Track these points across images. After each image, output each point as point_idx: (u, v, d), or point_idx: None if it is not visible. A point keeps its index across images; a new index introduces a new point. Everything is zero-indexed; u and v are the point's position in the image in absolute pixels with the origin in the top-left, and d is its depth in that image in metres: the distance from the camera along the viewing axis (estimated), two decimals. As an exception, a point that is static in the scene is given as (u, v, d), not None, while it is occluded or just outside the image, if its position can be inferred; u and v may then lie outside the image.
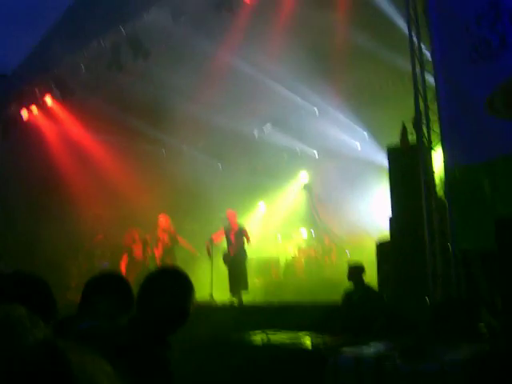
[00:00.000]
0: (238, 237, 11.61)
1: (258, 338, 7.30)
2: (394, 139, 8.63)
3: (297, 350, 6.64)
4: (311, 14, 10.39)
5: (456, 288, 6.63)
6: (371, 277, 8.39)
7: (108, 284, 2.88)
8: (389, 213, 8.26)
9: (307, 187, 16.47)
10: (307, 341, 6.90)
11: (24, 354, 1.07)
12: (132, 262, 12.87)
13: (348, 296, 7.83)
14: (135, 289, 2.67)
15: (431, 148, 7.51)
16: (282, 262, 13.88)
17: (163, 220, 12.64)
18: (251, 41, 11.51)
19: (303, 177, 16.74)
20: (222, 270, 11.74)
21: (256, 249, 13.84)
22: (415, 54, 7.73)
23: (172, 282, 2.60)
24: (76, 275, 14.04)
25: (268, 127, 15.93)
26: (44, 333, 1.19)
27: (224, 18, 10.84)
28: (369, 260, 9.15)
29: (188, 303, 2.57)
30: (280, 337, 7.20)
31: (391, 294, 7.83)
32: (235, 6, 10.39)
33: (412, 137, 8.00)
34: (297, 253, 13.84)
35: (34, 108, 13.86)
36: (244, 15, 10.77)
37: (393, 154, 8.48)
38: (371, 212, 13.15)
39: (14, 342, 1.10)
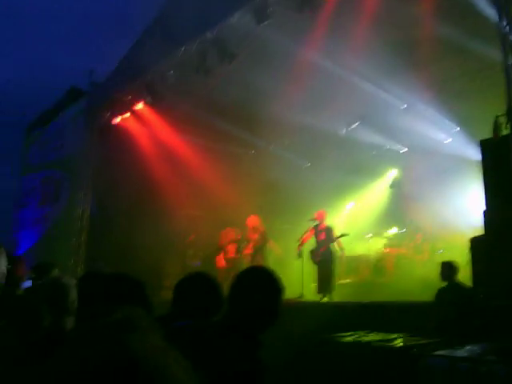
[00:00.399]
0: (326, 236, 11.58)
1: (349, 338, 7.26)
2: (486, 133, 8.33)
3: (389, 350, 6.54)
4: (395, 6, 10.19)
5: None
6: (466, 275, 8.12)
7: (199, 284, 2.97)
8: (482, 208, 7.98)
9: (397, 184, 16.16)
10: (399, 341, 6.79)
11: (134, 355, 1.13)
12: (226, 262, 13.13)
13: (441, 295, 7.63)
14: (228, 288, 2.74)
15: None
16: (372, 260, 13.65)
17: (254, 220, 12.80)
18: (335, 38, 11.44)
19: (393, 174, 16.44)
20: (313, 269, 11.75)
21: (345, 247, 13.75)
22: (506, 44, 7.41)
23: (261, 282, 2.63)
24: (169, 275, 14.48)
25: (356, 125, 15.76)
26: (159, 337, 1.25)
27: (307, 17, 10.83)
28: (462, 258, 8.86)
29: (277, 303, 2.60)
30: (371, 337, 7.13)
31: (486, 294, 7.55)
32: (318, 5, 10.34)
33: (506, 130, 7.69)
34: (387, 251, 13.59)
35: (126, 114, 14.40)
36: (326, 13, 10.71)
37: (486, 147, 8.18)
38: (463, 208, 12.73)
39: (130, 344, 1.16)
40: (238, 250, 13.22)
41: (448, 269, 7.82)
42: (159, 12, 13.34)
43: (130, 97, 14.06)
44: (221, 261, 13.23)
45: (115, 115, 14.52)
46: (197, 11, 11.48)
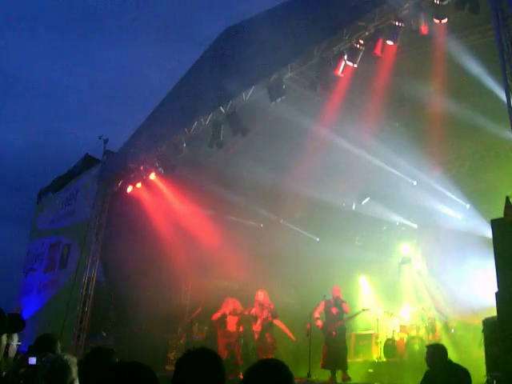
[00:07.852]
0: (338, 311, 11.37)
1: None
2: (498, 210, 8.26)
3: None
4: (406, 84, 10.39)
5: None
6: (480, 358, 7.85)
7: (200, 360, 2.86)
8: (495, 288, 7.79)
9: (408, 260, 15.97)
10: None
11: None
12: (225, 337, 12.69)
13: (430, 380, 7.04)
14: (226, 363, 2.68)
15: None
16: (383, 339, 13.27)
17: (261, 295, 12.56)
18: (347, 114, 11.64)
19: (403, 250, 16.27)
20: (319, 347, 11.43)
21: (355, 325, 13.43)
22: (516, 124, 7.44)
23: (274, 377, 2.58)
24: (174, 348, 14.17)
25: (366, 200, 15.76)
26: None
27: (320, 94, 11.05)
28: (476, 339, 8.61)
29: None
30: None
31: (502, 378, 7.26)
32: (330, 83, 10.55)
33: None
34: (398, 330, 13.23)
35: (138, 184, 14.52)
36: (339, 90, 10.91)
37: (497, 227, 8.07)
38: (477, 287, 12.48)
39: None
40: (239, 324, 12.85)
41: (435, 351, 6.93)
42: (174, 85, 13.67)
43: (143, 167, 14.23)
44: (221, 337, 12.76)
45: (127, 184, 14.65)
46: (212, 85, 11.74)
